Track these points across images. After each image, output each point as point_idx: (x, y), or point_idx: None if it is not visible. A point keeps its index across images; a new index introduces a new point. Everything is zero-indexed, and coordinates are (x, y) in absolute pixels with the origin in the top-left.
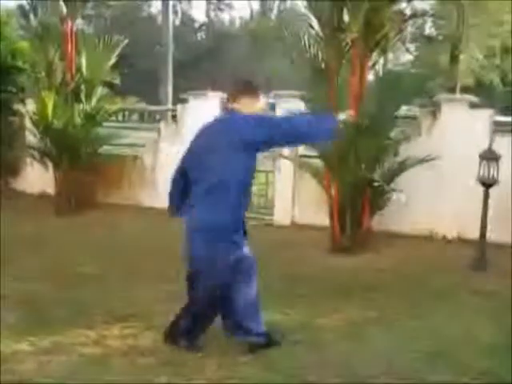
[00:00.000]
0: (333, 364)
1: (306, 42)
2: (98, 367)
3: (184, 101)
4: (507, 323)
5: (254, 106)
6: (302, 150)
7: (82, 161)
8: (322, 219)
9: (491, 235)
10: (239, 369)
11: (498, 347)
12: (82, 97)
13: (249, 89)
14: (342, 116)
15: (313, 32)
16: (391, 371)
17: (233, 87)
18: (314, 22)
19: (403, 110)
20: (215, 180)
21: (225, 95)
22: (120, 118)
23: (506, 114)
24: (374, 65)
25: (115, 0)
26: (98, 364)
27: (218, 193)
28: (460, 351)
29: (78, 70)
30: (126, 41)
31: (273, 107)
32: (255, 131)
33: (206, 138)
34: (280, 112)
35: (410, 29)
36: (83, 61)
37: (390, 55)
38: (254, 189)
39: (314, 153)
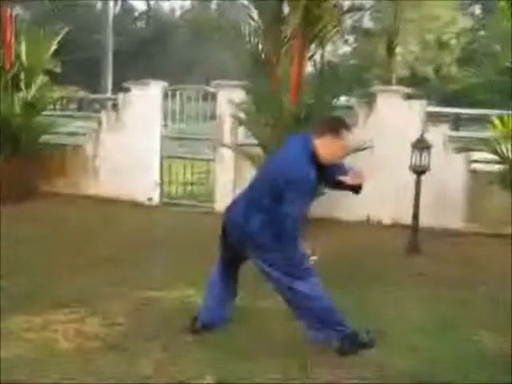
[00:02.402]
0: (274, 342)
1: (247, 33)
2: (44, 351)
3: (126, 89)
4: (437, 302)
5: (332, 147)
6: (242, 138)
7: (22, 150)
8: None
9: (424, 220)
10: (184, 348)
11: (428, 325)
12: (22, 85)
13: (331, 128)
14: None
15: (253, 23)
16: (329, 348)
17: (320, 123)
18: (255, 14)
19: (342, 100)
20: None
21: (167, 84)
22: (58, 106)
23: (443, 105)
24: (312, 56)
25: None
26: (45, 348)
27: None
28: (392, 329)
29: (18, 57)
30: (67, 28)
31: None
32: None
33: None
34: (222, 101)
35: (348, 21)
36: (23, 48)
37: (330, 47)
38: (196, 177)
39: (254, 141)
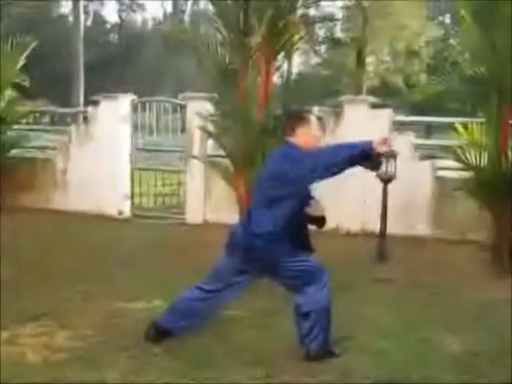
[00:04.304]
0: (240, 352)
1: (214, 45)
2: (11, 365)
3: (95, 103)
4: (403, 307)
5: (308, 135)
6: (210, 150)
7: None
8: (234, 217)
9: (392, 227)
10: (151, 360)
11: (394, 330)
12: None
13: (297, 120)
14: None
15: (220, 35)
16: (295, 355)
17: (285, 121)
18: (221, 26)
19: (319, 110)
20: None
21: (135, 97)
22: (30, 120)
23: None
24: (279, 67)
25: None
26: (12, 362)
27: None
28: (358, 334)
29: None
30: (36, 42)
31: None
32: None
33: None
34: (190, 113)
35: (321, 32)
36: None
37: (302, 57)
38: (166, 189)
39: (222, 153)
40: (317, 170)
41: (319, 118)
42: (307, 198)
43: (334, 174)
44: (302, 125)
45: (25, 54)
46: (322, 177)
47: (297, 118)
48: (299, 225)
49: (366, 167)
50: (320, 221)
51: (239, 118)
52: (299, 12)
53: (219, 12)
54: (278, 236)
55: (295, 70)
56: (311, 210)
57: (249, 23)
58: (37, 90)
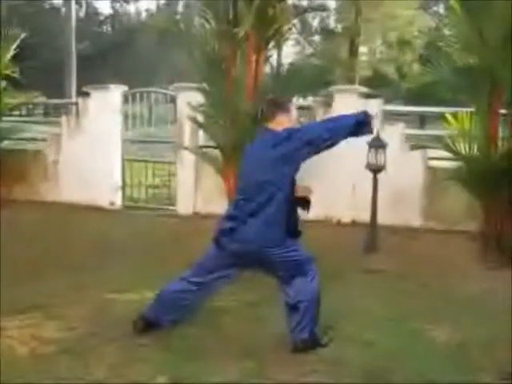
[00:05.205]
0: (230, 342)
1: (204, 36)
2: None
3: (85, 94)
4: (391, 298)
5: (287, 121)
6: (202, 140)
7: None
8: (225, 208)
9: (383, 218)
10: (139, 350)
11: (382, 320)
12: None
13: (278, 107)
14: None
15: (208, 26)
16: (285, 346)
17: (266, 108)
18: (211, 16)
19: (309, 100)
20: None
21: (126, 88)
22: (23, 112)
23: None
24: (268, 57)
25: None
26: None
27: None
28: (347, 325)
29: None
30: (24, 34)
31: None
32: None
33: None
34: (181, 104)
35: (314, 22)
36: None
37: (296, 48)
38: (157, 180)
39: (213, 144)
40: (314, 142)
41: (307, 108)
42: (295, 183)
43: (332, 145)
44: (282, 112)
45: (14, 46)
46: (319, 149)
47: (277, 105)
48: (290, 211)
49: (362, 134)
50: (305, 203)
51: (228, 108)
52: (290, 2)
53: (208, 2)
54: (269, 225)
55: (288, 60)
56: (299, 192)
57: (238, 13)
58: (30, 82)
